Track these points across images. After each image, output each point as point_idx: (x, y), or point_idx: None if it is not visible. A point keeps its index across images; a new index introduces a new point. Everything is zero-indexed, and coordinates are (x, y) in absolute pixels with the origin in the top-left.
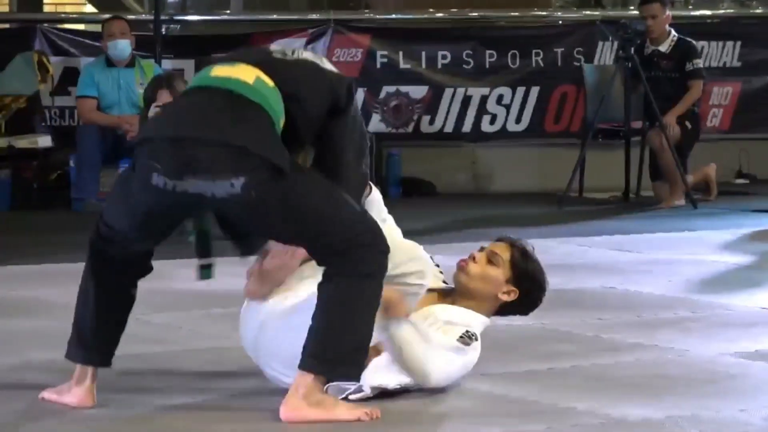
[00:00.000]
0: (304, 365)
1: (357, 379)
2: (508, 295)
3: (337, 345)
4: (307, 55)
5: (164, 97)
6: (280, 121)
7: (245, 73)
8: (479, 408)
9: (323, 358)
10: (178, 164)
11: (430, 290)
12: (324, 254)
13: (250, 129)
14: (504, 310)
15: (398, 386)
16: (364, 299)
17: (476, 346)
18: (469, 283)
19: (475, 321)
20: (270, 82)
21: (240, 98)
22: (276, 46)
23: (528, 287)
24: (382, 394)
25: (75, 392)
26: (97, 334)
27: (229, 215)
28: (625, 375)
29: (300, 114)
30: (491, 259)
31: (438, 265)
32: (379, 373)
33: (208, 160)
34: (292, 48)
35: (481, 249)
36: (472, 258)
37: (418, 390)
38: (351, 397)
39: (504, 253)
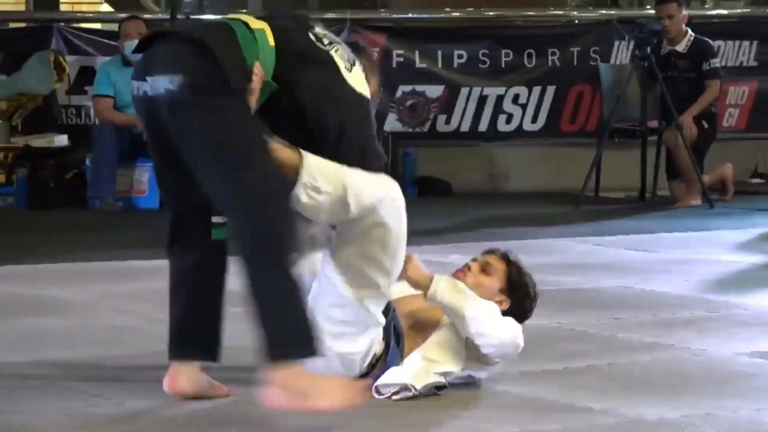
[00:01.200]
0: (274, 357)
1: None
2: (500, 304)
3: (288, 328)
4: (340, 55)
5: None
6: (262, 65)
7: (255, 22)
8: (496, 407)
9: (284, 344)
10: (144, 63)
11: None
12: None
13: (219, 37)
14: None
15: (441, 383)
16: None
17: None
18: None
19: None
20: (271, 41)
21: (227, 27)
22: (324, 31)
23: (520, 296)
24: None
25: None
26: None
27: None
28: (641, 374)
29: (284, 83)
30: (485, 269)
31: None
32: (419, 375)
33: (164, 53)
34: (339, 41)
35: (474, 260)
36: (468, 267)
37: (442, 387)
38: (394, 397)
39: (497, 263)
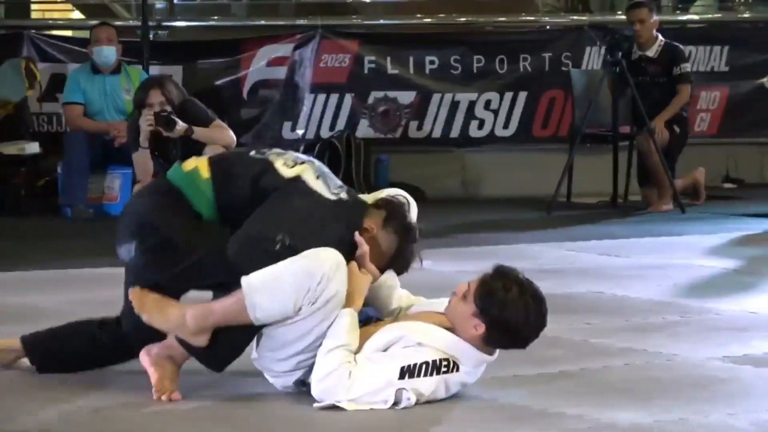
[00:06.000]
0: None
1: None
2: (476, 329)
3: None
4: (281, 160)
5: (155, 96)
6: (204, 207)
7: (190, 163)
8: (467, 413)
9: None
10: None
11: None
12: None
13: (150, 200)
14: (491, 344)
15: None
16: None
17: (424, 382)
18: (450, 319)
19: (460, 351)
20: (205, 174)
21: (167, 181)
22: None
23: (493, 319)
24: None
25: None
26: None
27: None
28: (614, 380)
29: (228, 201)
30: (464, 294)
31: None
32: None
33: (120, 226)
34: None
35: (468, 284)
36: (454, 293)
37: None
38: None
39: (474, 286)
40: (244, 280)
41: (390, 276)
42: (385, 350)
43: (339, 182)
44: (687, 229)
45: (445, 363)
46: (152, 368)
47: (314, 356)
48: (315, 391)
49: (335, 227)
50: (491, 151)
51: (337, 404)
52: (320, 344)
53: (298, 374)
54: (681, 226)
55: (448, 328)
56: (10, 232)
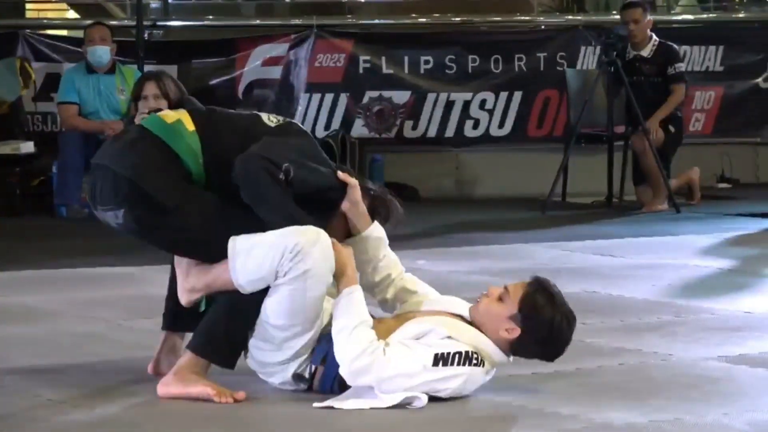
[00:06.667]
0: (189, 344)
1: (227, 366)
2: (508, 332)
3: (218, 336)
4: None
5: (152, 88)
6: (191, 160)
7: (170, 115)
8: (463, 414)
9: (204, 343)
10: (90, 193)
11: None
12: None
13: (136, 158)
14: (516, 350)
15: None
16: (243, 306)
17: (456, 371)
18: (475, 318)
19: (486, 348)
20: (190, 126)
21: (147, 133)
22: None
23: (531, 326)
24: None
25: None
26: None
27: None
28: (609, 380)
29: (216, 155)
30: (501, 296)
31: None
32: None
33: (101, 188)
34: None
35: (505, 287)
36: (486, 294)
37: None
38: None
39: (516, 290)
40: (230, 242)
41: (376, 227)
42: (418, 339)
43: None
44: (682, 229)
45: (475, 356)
46: (194, 389)
47: (307, 340)
48: (347, 371)
49: (330, 165)
50: (486, 151)
51: (335, 405)
52: (310, 326)
53: (294, 366)
54: (676, 225)
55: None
56: (5, 231)
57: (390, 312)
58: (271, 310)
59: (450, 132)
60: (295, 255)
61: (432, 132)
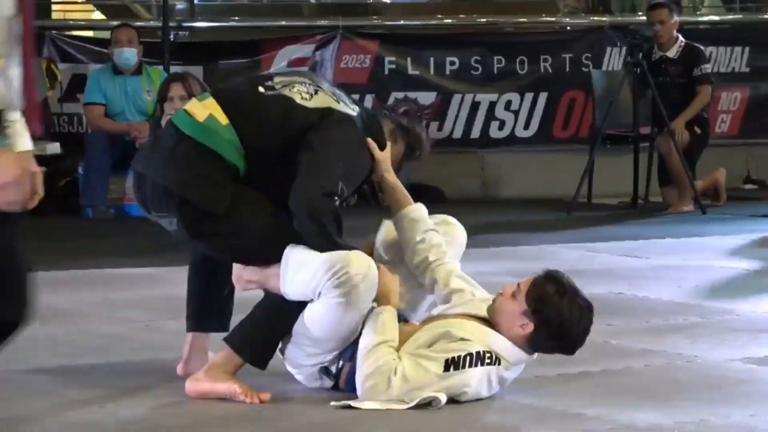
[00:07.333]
0: (227, 339)
1: (259, 366)
2: (522, 329)
3: (257, 337)
4: (295, 91)
5: (177, 89)
6: (233, 155)
7: (200, 111)
8: (489, 415)
9: (243, 341)
10: (140, 199)
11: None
12: None
13: (179, 168)
14: (534, 345)
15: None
16: (285, 312)
17: (470, 373)
18: (492, 318)
19: (502, 346)
20: (224, 120)
21: (184, 137)
22: (280, 78)
23: (542, 319)
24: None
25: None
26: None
27: None
28: (634, 381)
29: (257, 147)
30: (513, 293)
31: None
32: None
33: (151, 198)
34: (304, 79)
35: (518, 284)
36: (501, 293)
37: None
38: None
39: (525, 286)
40: (286, 250)
41: (413, 210)
42: (429, 347)
43: (348, 95)
44: (707, 230)
45: (488, 355)
46: (222, 387)
47: (339, 347)
48: (361, 389)
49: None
50: (511, 152)
51: (354, 405)
52: (342, 345)
53: (324, 359)
54: (701, 227)
55: (490, 327)
56: (31, 232)
57: (432, 293)
58: (309, 321)
59: (475, 133)
60: (341, 282)
61: (457, 133)
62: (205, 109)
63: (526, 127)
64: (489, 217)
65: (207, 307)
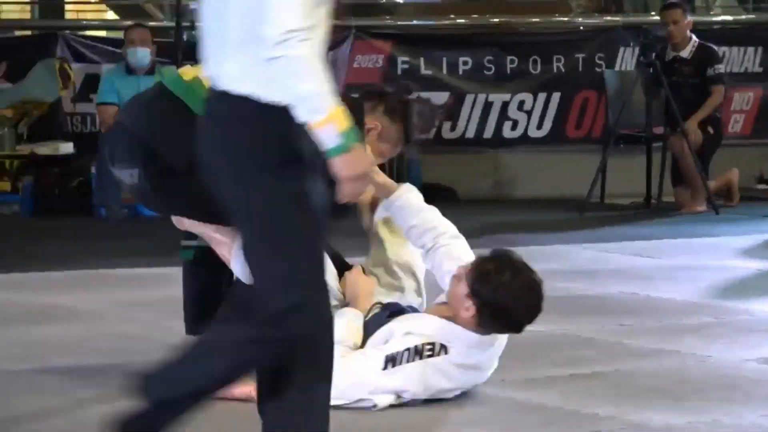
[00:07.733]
0: None
1: None
2: (467, 311)
3: None
4: None
5: None
6: None
7: (189, 72)
8: (500, 414)
9: None
10: (108, 150)
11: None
12: None
13: (152, 118)
14: (485, 326)
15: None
16: None
17: (408, 368)
18: (448, 302)
19: (448, 333)
20: (207, 83)
21: (165, 91)
22: None
23: (483, 301)
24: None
25: None
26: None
27: None
28: (647, 381)
29: None
30: (460, 275)
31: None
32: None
33: (116, 146)
34: None
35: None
36: (456, 277)
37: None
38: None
39: (467, 269)
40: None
41: (399, 197)
42: (386, 343)
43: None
44: (720, 230)
45: (428, 347)
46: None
47: None
48: None
49: None
50: (524, 152)
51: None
52: None
53: None
54: (714, 227)
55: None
56: (44, 232)
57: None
58: None
59: (488, 133)
60: None
61: (470, 133)
62: (193, 71)
63: (539, 127)
64: (502, 217)
65: (204, 311)
